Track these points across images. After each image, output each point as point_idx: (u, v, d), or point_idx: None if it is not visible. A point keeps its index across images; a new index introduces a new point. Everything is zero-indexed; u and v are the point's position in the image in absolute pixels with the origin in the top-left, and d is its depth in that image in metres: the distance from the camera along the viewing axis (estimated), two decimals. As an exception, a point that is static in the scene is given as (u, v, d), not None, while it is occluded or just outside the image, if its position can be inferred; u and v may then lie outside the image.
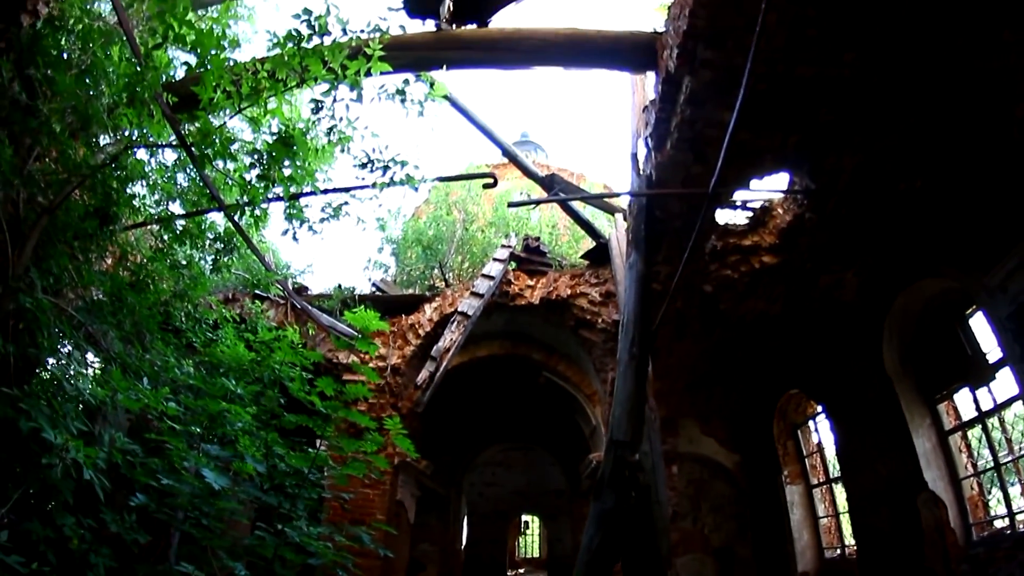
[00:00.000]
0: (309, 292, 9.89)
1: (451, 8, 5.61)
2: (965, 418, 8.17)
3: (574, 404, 9.96)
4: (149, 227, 6.48)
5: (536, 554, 26.45)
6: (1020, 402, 6.88)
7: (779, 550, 11.33)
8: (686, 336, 8.51)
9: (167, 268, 6.14)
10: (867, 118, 5.83)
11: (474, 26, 5.89)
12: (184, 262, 6.34)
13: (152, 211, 6.40)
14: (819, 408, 10.82)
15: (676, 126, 5.73)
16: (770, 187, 7.22)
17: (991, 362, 7.43)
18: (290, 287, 9.20)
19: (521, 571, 23.51)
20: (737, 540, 12.27)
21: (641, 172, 6.72)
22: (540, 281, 9.15)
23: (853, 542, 9.85)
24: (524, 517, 25.10)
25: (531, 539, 27.46)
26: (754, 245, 7.66)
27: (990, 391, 7.62)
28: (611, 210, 9.23)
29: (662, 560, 5.17)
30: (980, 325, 7.52)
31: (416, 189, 6.19)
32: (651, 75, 6.49)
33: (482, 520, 20.61)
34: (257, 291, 8.49)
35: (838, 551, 10.91)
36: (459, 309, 8.58)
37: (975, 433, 8.22)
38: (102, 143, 5.68)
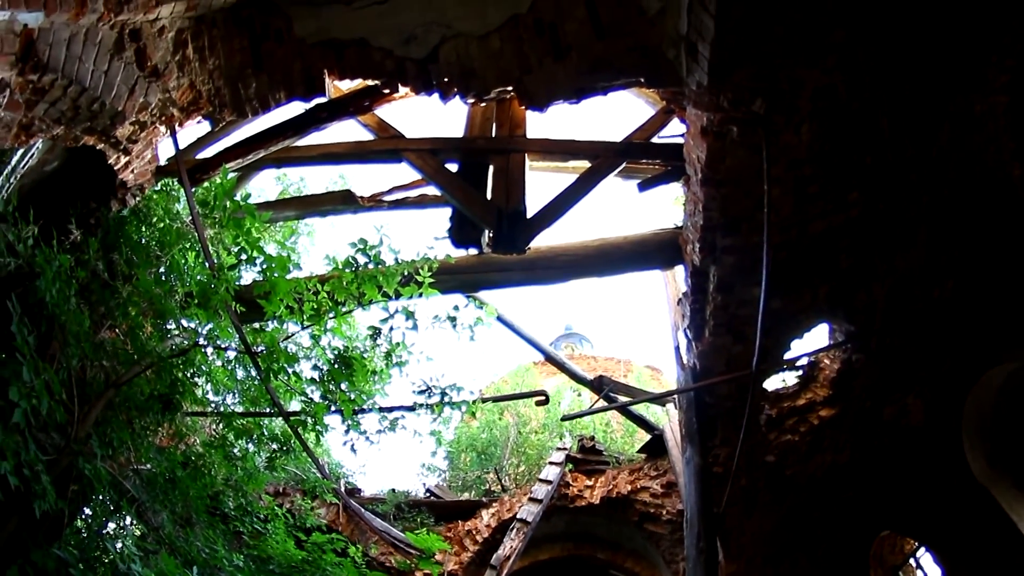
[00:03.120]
0: (362, 494, 9.84)
1: (490, 239, 6.24)
2: None
3: (646, 596, 9.33)
4: (207, 417, 6.75)
5: None
6: None
7: None
8: (755, 511, 8.12)
9: (222, 458, 6.27)
10: (884, 245, 6.00)
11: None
12: (239, 455, 6.49)
13: (211, 401, 6.72)
14: (916, 543, 9.89)
15: (711, 313, 6.00)
16: (812, 345, 7.26)
17: None
18: (343, 488, 9.22)
19: None
20: None
21: (685, 365, 6.92)
22: (599, 480, 9.04)
23: None
24: None
25: None
26: (809, 403, 7.57)
27: None
28: (663, 400, 9.29)
29: None
30: None
31: (475, 415, 6.50)
32: (680, 268, 6.92)
33: None
34: (319, 496, 8.52)
35: None
36: (518, 516, 8.44)
37: None
38: (170, 328, 6.13)
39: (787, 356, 6.98)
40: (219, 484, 6.20)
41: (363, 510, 8.75)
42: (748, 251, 5.22)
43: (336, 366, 5.94)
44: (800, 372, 7.66)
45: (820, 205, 5.17)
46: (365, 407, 6.18)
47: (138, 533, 5.68)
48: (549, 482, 8.75)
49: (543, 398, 7.62)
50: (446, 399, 6.23)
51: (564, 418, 6.91)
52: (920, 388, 7.81)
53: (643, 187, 6.56)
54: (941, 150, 5.60)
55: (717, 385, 6.65)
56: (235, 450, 6.40)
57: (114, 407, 5.15)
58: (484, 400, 6.62)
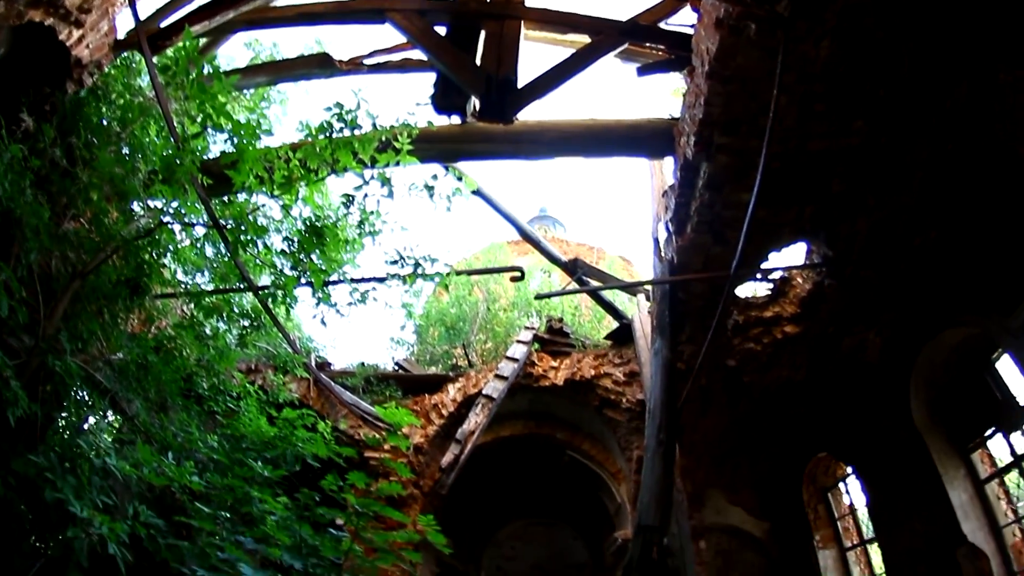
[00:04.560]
0: (332, 368, 9.95)
1: (476, 107, 5.87)
2: (1001, 464, 7.98)
3: (598, 482, 9.82)
4: (177, 297, 6.62)
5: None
6: None
7: (815, 617, 10.85)
8: (711, 411, 8.47)
9: (193, 339, 6.21)
10: (878, 180, 5.98)
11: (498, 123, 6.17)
12: (210, 334, 6.41)
13: (181, 281, 6.55)
14: (849, 470, 10.60)
15: (696, 210, 5.90)
16: (789, 259, 7.30)
17: (1022, 405, 7.37)
18: (313, 362, 9.28)
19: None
20: (770, 611, 11.79)
21: (663, 257, 6.85)
22: (564, 362, 9.18)
23: None
24: (543, 593, 24.14)
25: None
26: (776, 316, 7.72)
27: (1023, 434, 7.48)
28: (633, 290, 9.33)
29: None
30: (1007, 368, 7.44)
31: (447, 288, 6.38)
32: (669, 160, 6.70)
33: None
34: (288, 370, 8.59)
35: None
36: (484, 392, 8.61)
37: (1012, 479, 8.04)
38: (136, 211, 5.88)
39: (763, 266, 7.02)
40: (191, 366, 6.16)
41: (333, 384, 8.85)
42: (743, 154, 5.07)
43: (307, 235, 5.74)
44: (772, 285, 7.74)
45: (824, 125, 5.03)
46: (336, 278, 6.05)
47: (117, 426, 5.66)
48: (515, 360, 8.89)
49: (519, 274, 7.58)
50: (419, 270, 6.08)
51: (538, 296, 6.89)
52: (882, 327, 8.04)
53: (643, 72, 6.21)
54: (956, 105, 5.47)
55: (691, 283, 6.65)
56: (206, 329, 6.30)
57: (82, 299, 4.98)
58: (458, 273, 6.47)
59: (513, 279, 7.75)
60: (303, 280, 5.93)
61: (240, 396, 6.68)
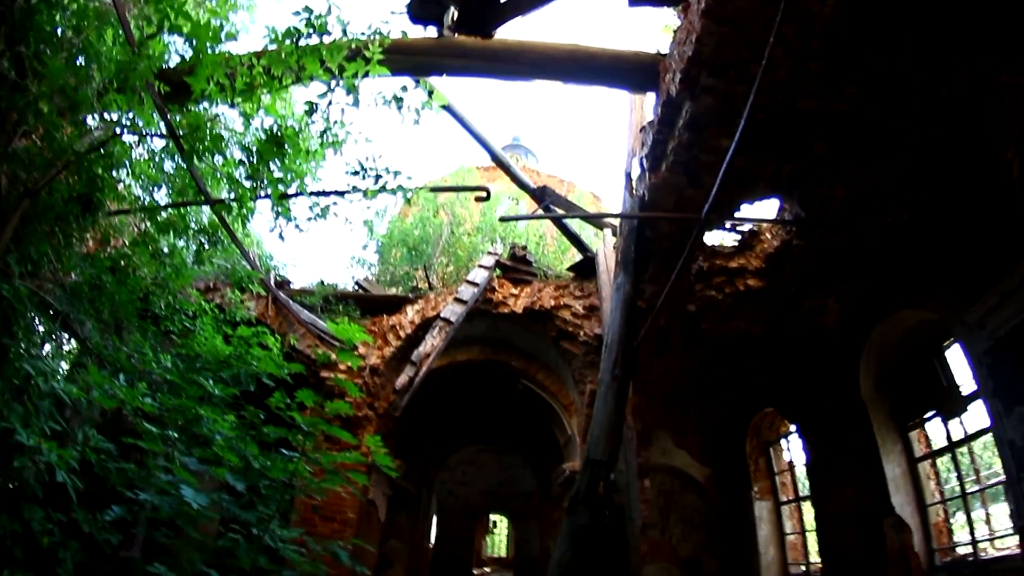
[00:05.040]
0: (291, 286, 9.77)
1: (455, 17, 5.55)
2: (936, 446, 8.38)
3: (550, 413, 9.96)
4: (132, 214, 6.34)
5: (503, 554, 26.38)
6: (991, 435, 7.02)
7: (746, 564, 11.44)
8: (666, 353, 8.56)
9: (149, 256, 5.99)
10: (861, 152, 5.91)
11: (477, 37, 5.84)
12: (167, 251, 6.19)
13: (137, 198, 6.26)
14: (792, 428, 10.95)
15: (673, 149, 5.75)
16: (760, 213, 7.26)
17: (964, 394, 7.60)
18: (272, 280, 9.08)
19: (488, 570, 23.47)
20: (705, 552, 12.36)
21: (634, 192, 6.73)
22: (524, 290, 9.12)
23: (818, 560, 10.02)
24: (493, 517, 25.07)
25: (499, 539, 27.40)
26: (740, 268, 7.74)
27: (961, 422, 7.80)
28: (600, 224, 9.23)
29: None
30: (956, 357, 7.68)
31: (409, 202, 6.16)
32: (651, 96, 6.50)
33: (451, 518, 20.57)
34: (244, 287, 8.39)
35: (803, 568, 11.03)
36: (442, 315, 8.53)
37: (944, 461, 8.41)
38: (89, 125, 5.55)
39: (734, 216, 6.95)
40: (147, 284, 5.94)
41: (291, 302, 8.68)
42: (729, 99, 4.92)
43: (267, 144, 5.46)
44: (740, 237, 7.72)
45: (816, 84, 4.91)
46: (296, 191, 5.81)
47: (73, 352, 5.45)
48: (476, 285, 8.80)
49: (484, 194, 7.41)
50: (381, 183, 5.83)
51: (502, 219, 6.72)
52: (842, 295, 8.15)
53: (635, 2, 5.90)
54: (951, 95, 5.40)
55: (660, 222, 6.57)
56: (162, 247, 6.06)
57: (32, 219, 4.70)
58: (423, 189, 6.27)
59: (478, 199, 7.56)
60: (261, 192, 5.69)
61: (196, 315, 6.50)
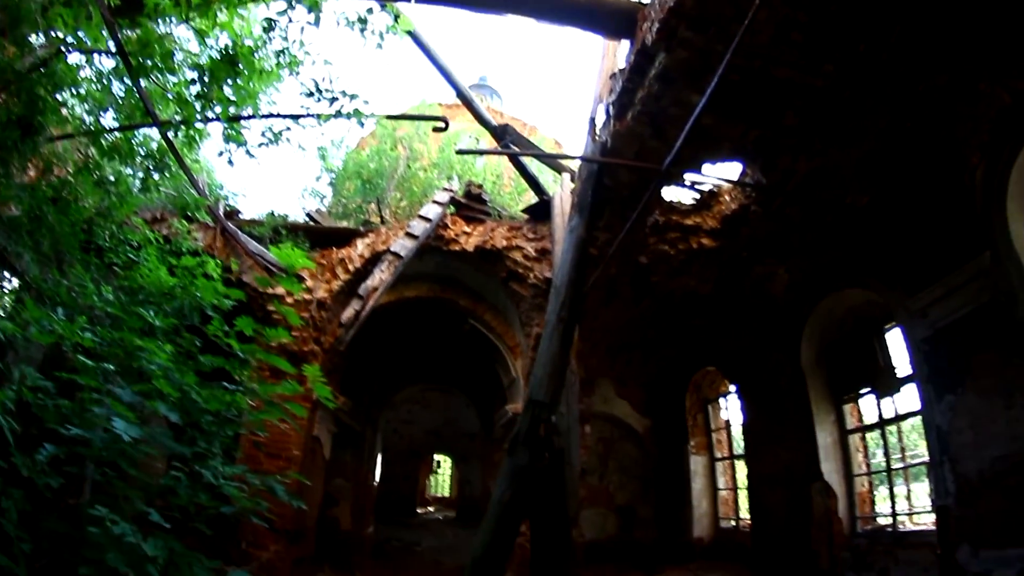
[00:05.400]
0: (241, 216, 9.44)
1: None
2: (867, 421, 8.83)
3: (496, 354, 9.97)
4: (77, 140, 5.96)
5: (447, 493, 26.81)
6: (919, 418, 7.37)
7: (678, 514, 11.87)
8: (615, 302, 8.61)
9: (93, 185, 5.68)
10: (831, 129, 5.93)
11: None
12: (112, 178, 5.86)
13: (82, 122, 5.88)
14: (732, 388, 11.27)
15: (641, 99, 5.64)
16: (722, 174, 7.25)
17: (899, 376, 7.97)
18: (222, 210, 8.74)
19: (431, 509, 23.88)
20: (640, 500, 12.81)
21: (596, 138, 6.61)
22: (477, 229, 8.98)
23: (748, 516, 10.43)
24: (437, 457, 25.39)
25: (442, 479, 27.80)
26: (695, 226, 7.77)
27: (893, 402, 8.22)
28: (559, 168, 9.10)
29: (569, 522, 5.22)
30: (895, 341, 7.99)
31: (362, 124, 5.97)
32: (625, 44, 6.32)
33: (396, 457, 20.75)
34: (187, 212, 8.05)
35: (733, 523, 11.51)
36: (391, 249, 8.36)
37: (873, 437, 8.91)
38: (32, 43, 5.13)
39: (696, 175, 6.93)
40: (90, 212, 5.64)
41: (239, 232, 8.38)
42: (705, 55, 4.81)
43: (220, 63, 5.17)
44: (699, 195, 7.70)
45: (794, 55, 4.83)
46: (248, 112, 5.56)
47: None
48: (428, 220, 8.64)
49: (443, 125, 7.20)
50: (336, 106, 5.62)
51: (459, 151, 6.57)
52: (792, 266, 8.31)
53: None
54: (928, 91, 5.45)
55: (619, 170, 6.50)
56: (108, 175, 5.73)
57: None
58: (380, 116, 6.07)
59: (436, 130, 7.35)
60: (211, 114, 5.40)
61: (141, 246, 6.19)
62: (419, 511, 22.00)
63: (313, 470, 8.84)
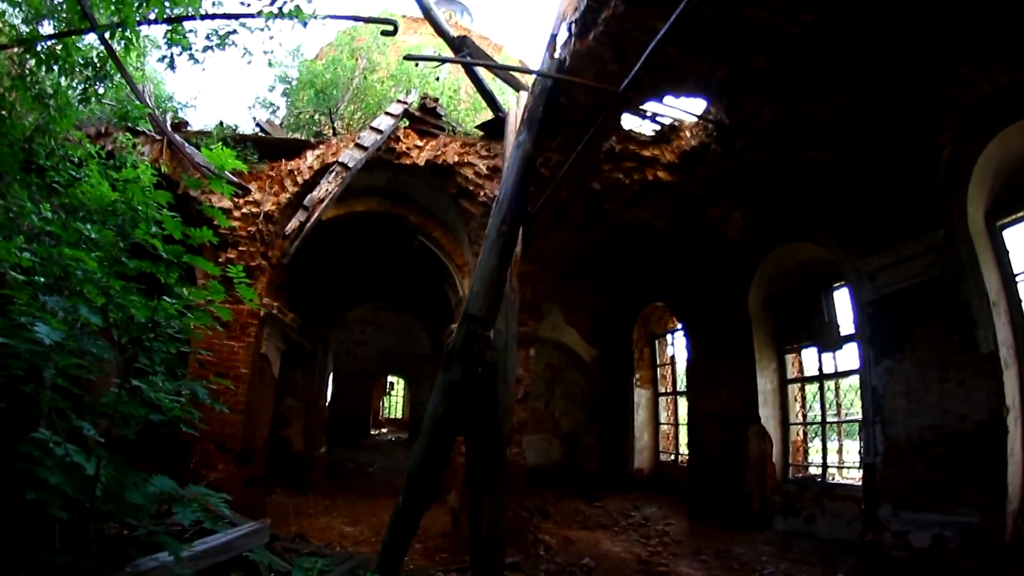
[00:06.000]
0: (190, 128, 9.01)
1: None
2: (807, 374, 9.20)
3: (444, 273, 9.88)
4: (12, 52, 5.56)
5: (399, 415, 27.07)
6: (856, 376, 7.68)
7: (620, 445, 12.31)
8: (565, 226, 8.50)
9: (31, 99, 5.37)
10: (802, 80, 5.84)
11: None
12: (51, 91, 5.53)
13: (17, 32, 5.53)
14: (679, 325, 11.53)
15: (605, 19, 5.42)
16: (685, 107, 7.13)
17: (842, 334, 8.33)
18: (169, 123, 8.33)
19: (384, 430, 24.12)
20: (584, 429, 13.23)
21: (555, 55, 6.40)
22: (430, 143, 8.71)
23: (686, 452, 10.88)
24: (390, 378, 25.51)
25: (395, 400, 28.00)
26: (653, 158, 7.66)
27: (834, 358, 8.58)
28: (517, 87, 8.83)
29: (502, 438, 5.25)
30: (842, 299, 8.30)
31: (305, 24, 5.77)
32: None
33: (349, 378, 20.77)
34: (132, 125, 7.62)
35: (672, 456, 12.03)
36: (340, 160, 8.10)
37: (812, 389, 9.20)
38: None
39: (658, 105, 6.75)
40: (28, 130, 5.32)
41: (186, 145, 8.00)
42: (674, -19, 4.60)
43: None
44: (660, 128, 7.56)
45: None
46: (190, 13, 5.29)
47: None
48: (380, 132, 8.34)
49: (392, 28, 6.89)
50: (279, 2, 5.43)
51: (407, 57, 6.22)
52: (748, 211, 8.33)
53: None
54: (907, 63, 5.41)
55: (577, 90, 6.33)
56: (46, 87, 5.41)
57: None
58: (322, 16, 5.83)
59: (384, 33, 7.05)
60: (151, 15, 5.07)
61: (83, 162, 5.88)
62: (372, 432, 22.21)
63: (262, 389, 8.77)
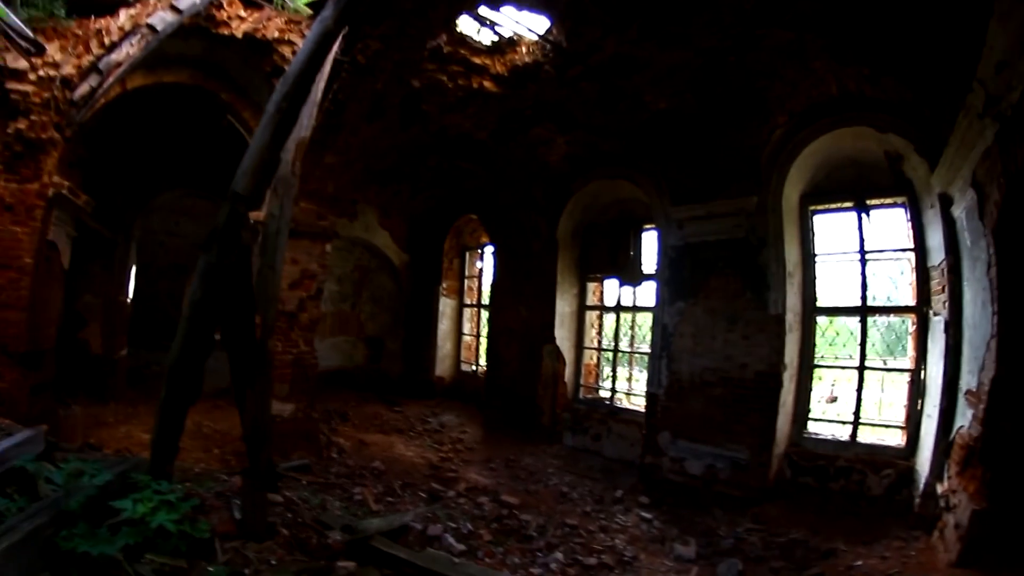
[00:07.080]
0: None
1: None
2: (607, 304, 9.85)
3: (254, 160, 9.55)
4: None
5: (213, 312, 25.89)
6: (650, 313, 8.38)
7: (424, 352, 12.62)
8: (379, 121, 8.23)
9: None
10: (654, 23, 6.01)
11: None
12: None
13: None
14: (488, 241, 11.78)
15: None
16: (528, 24, 7.17)
17: (645, 272, 8.96)
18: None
19: (194, 328, 23.01)
20: (390, 334, 13.39)
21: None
22: (254, 15, 7.98)
23: (485, 364, 11.29)
24: (206, 272, 24.18)
25: (209, 297, 26.67)
26: (483, 66, 7.69)
27: (634, 293, 9.25)
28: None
29: (260, 328, 4.92)
30: (650, 241, 8.90)
31: None
32: None
33: (160, 273, 19.51)
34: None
35: (473, 367, 12.49)
36: (149, 22, 7.23)
37: (610, 319, 9.93)
38: None
39: (496, 13, 6.89)
40: None
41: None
42: None
43: None
44: (497, 39, 7.59)
45: None
46: None
47: None
48: (200, -6, 7.65)
49: None
50: None
51: None
52: (573, 140, 8.55)
53: None
54: (764, 37, 5.72)
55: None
56: None
57: None
58: None
59: None
60: None
61: None
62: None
63: (50, 281, 7.86)
